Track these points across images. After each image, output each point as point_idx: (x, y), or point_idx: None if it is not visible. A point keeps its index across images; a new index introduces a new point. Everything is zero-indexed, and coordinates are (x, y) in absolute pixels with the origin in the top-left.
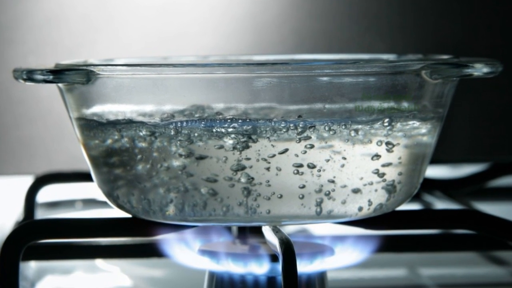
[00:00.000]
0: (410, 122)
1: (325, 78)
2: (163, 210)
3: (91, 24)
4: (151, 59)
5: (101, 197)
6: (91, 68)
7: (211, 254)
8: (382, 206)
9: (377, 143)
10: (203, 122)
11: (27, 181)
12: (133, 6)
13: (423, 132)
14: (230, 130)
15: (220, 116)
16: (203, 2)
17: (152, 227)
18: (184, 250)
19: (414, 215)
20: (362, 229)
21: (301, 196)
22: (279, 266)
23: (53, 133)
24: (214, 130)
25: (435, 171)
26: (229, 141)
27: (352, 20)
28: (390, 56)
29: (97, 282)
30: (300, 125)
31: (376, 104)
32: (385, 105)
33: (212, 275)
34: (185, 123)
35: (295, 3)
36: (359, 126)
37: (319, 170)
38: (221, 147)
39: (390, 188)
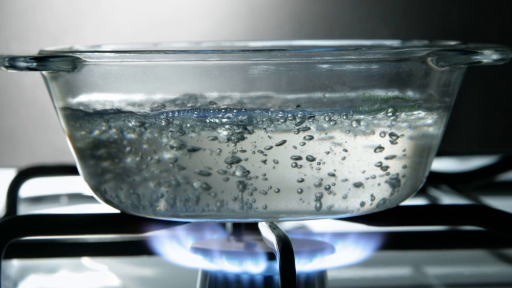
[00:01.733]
0: (415, 112)
1: (325, 66)
2: (154, 205)
3: (77, 8)
4: (141, 45)
5: (88, 191)
6: (77, 55)
7: (204, 252)
8: (386, 201)
9: (380, 134)
10: (195, 112)
11: (9, 174)
12: None
13: (429, 122)
14: (224, 120)
15: (214, 106)
16: None
17: (141, 223)
18: (176, 248)
19: (419, 211)
20: (364, 226)
21: (299, 190)
22: (276, 265)
23: (37, 124)
24: (207, 121)
25: (441, 164)
26: (223, 132)
27: (354, 4)
28: (394, 42)
29: (84, 282)
30: (299, 115)
31: (379, 93)
32: (389, 94)
33: (205, 274)
34: (176, 113)
35: None
36: (361, 116)
37: (318, 163)
38: (215, 138)
39: (394, 182)
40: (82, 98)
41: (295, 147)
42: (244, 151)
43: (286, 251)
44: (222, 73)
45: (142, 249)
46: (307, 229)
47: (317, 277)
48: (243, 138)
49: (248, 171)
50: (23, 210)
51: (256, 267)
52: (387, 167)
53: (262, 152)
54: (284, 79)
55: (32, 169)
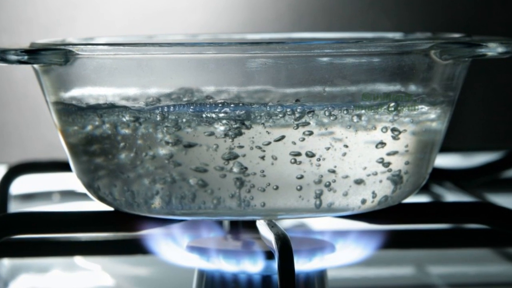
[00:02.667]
0: (418, 107)
1: (325, 59)
2: (148, 203)
3: None
4: (135, 37)
5: (81, 188)
6: (70, 48)
7: (201, 250)
8: (388, 198)
9: (382, 130)
10: (191, 107)
11: (0, 171)
12: None
13: (432, 117)
14: (221, 115)
15: (211, 100)
16: None
17: (136, 221)
18: (171, 247)
19: (422, 208)
20: (365, 224)
21: (299, 187)
22: (275, 264)
23: (28, 119)
24: (204, 116)
25: (445, 160)
26: (220, 128)
27: None
28: (396, 35)
29: (76, 281)
30: (298, 110)
31: (380, 87)
32: (391, 88)
33: (201, 273)
34: (172, 107)
35: None
36: (362, 111)
37: (318, 159)
38: (212, 134)
39: (396, 179)
40: (75, 92)
41: (294, 143)
42: (241, 147)
43: (285, 250)
44: (219, 66)
45: (136, 248)
46: (307, 227)
47: (317, 277)
48: (240, 134)
49: (246, 168)
50: (14, 207)
51: (254, 266)
52: (389, 164)
53: (260, 148)
54: (283, 73)
55: (23, 166)
